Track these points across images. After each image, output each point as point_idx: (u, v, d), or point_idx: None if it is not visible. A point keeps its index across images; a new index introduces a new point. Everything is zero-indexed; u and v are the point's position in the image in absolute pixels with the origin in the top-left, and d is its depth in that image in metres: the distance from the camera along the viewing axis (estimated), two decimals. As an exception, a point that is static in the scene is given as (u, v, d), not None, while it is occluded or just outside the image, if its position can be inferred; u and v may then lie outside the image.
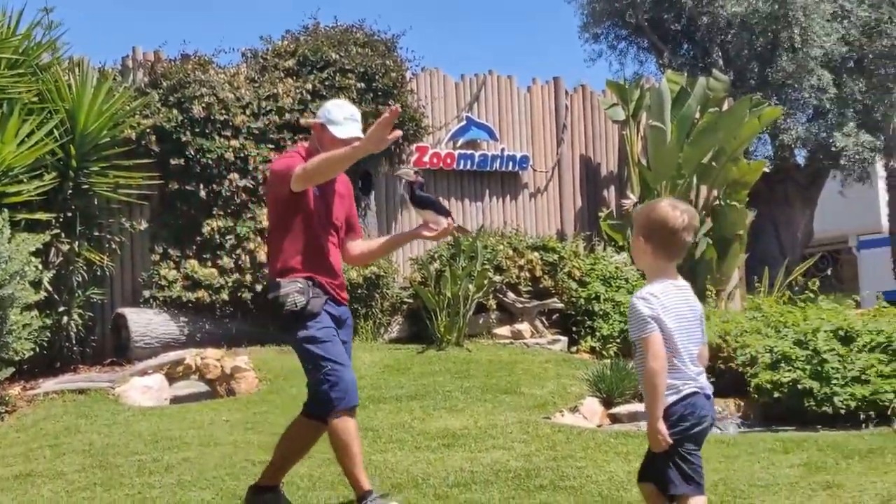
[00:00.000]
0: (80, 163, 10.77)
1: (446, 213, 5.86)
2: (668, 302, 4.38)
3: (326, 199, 5.78)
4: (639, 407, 9.19)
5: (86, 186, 10.90)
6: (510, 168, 14.40)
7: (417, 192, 6.02)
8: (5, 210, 9.53)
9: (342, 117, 5.71)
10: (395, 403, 9.01)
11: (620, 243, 13.99)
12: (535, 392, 9.65)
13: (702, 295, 13.09)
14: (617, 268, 13.24)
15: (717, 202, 14.47)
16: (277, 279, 5.69)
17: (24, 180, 10.22)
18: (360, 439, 5.66)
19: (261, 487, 5.90)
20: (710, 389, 4.50)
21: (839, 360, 8.83)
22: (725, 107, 14.73)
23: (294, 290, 5.60)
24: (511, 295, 12.67)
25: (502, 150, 14.32)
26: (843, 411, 8.46)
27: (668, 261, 4.49)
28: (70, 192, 10.77)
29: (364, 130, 5.53)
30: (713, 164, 14.17)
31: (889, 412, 8.33)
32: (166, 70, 11.93)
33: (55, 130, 10.49)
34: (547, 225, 14.63)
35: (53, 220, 10.53)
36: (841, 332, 9.29)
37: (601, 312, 12.56)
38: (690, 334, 4.44)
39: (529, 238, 13.48)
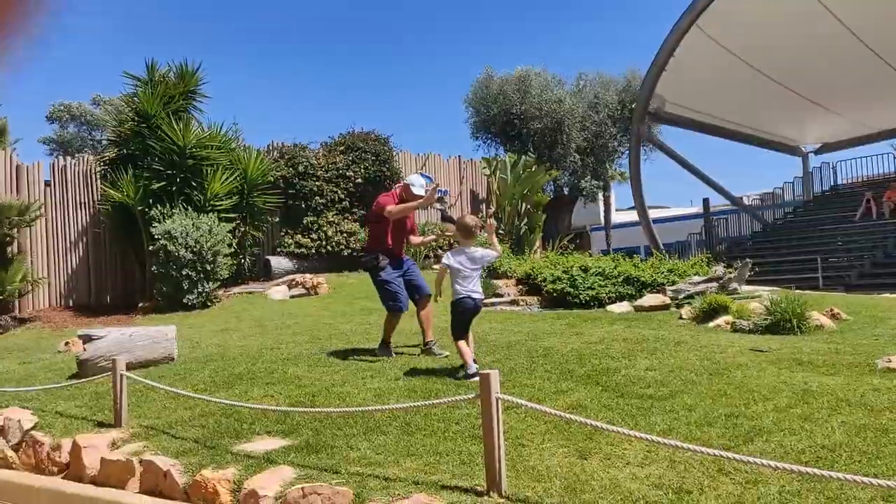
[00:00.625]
0: (249, 191, 10.81)
1: (453, 222, 5.37)
2: (456, 256, 4.42)
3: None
4: (495, 299, 8.45)
5: (251, 202, 10.90)
6: (441, 195, 13.70)
7: (444, 214, 6.30)
8: (216, 213, 9.82)
9: (417, 184, 5.47)
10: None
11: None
12: (449, 292, 9.27)
13: (523, 252, 13.02)
14: (485, 239, 13.04)
15: (529, 211, 14.29)
16: (371, 251, 5.33)
17: (224, 199, 10.28)
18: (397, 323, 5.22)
19: (384, 341, 5.32)
20: (477, 295, 4.38)
21: (582, 279, 8.16)
22: (533, 169, 14.57)
23: (375, 256, 5.24)
24: (439, 250, 12.35)
25: (436, 186, 14.01)
26: (584, 301, 7.76)
27: (465, 240, 4.50)
28: (245, 204, 10.78)
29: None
30: (527, 193, 14.06)
31: (605, 302, 7.65)
32: (287, 149, 11.99)
33: (237, 178, 10.51)
34: (456, 221, 14.60)
35: (237, 217, 10.53)
36: (583, 266, 8.59)
37: None
38: (470, 271, 4.39)
39: (450, 226, 13.35)
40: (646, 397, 3.62)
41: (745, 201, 20.53)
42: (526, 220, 14.05)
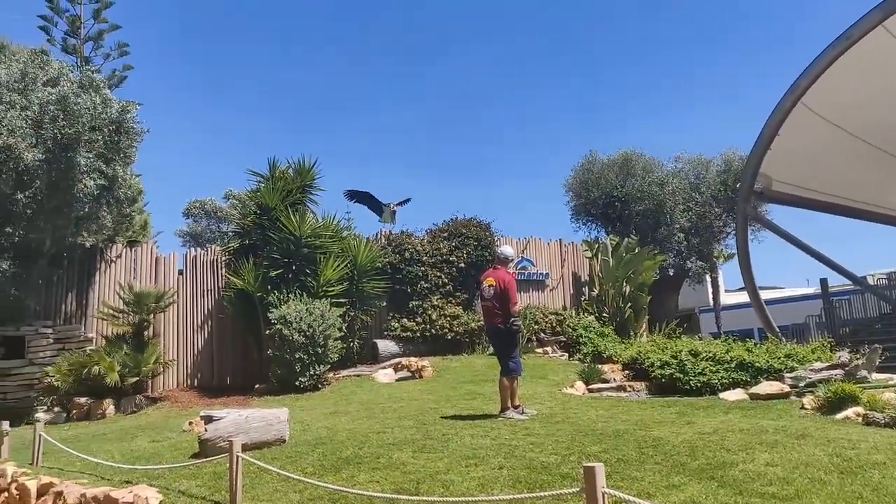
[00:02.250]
0: (358, 278, 10.97)
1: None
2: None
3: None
4: (601, 385, 8.52)
5: (360, 287, 11.02)
6: (541, 279, 14.03)
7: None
8: (328, 298, 9.99)
9: (510, 255, 6.26)
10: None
11: (591, 312, 13.45)
12: (554, 378, 9.22)
13: (628, 336, 12.72)
14: (590, 322, 12.73)
15: (634, 292, 13.92)
16: (512, 319, 6.00)
17: (335, 285, 10.44)
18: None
19: (503, 408, 5.95)
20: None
21: (692, 364, 7.91)
22: (636, 251, 14.31)
23: (521, 324, 6.03)
24: (542, 334, 12.52)
25: (537, 270, 14.05)
26: (694, 388, 7.59)
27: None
28: (354, 290, 10.92)
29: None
30: (632, 275, 13.76)
31: (716, 389, 7.48)
32: (394, 238, 12.22)
33: (348, 265, 10.67)
34: (558, 304, 14.21)
35: (347, 301, 10.65)
36: (692, 351, 8.38)
37: (583, 342, 11.96)
38: None
39: (549, 309, 13.23)
40: (767, 496, 3.33)
41: (871, 280, 19.09)
42: (630, 302, 13.65)
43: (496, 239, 13.09)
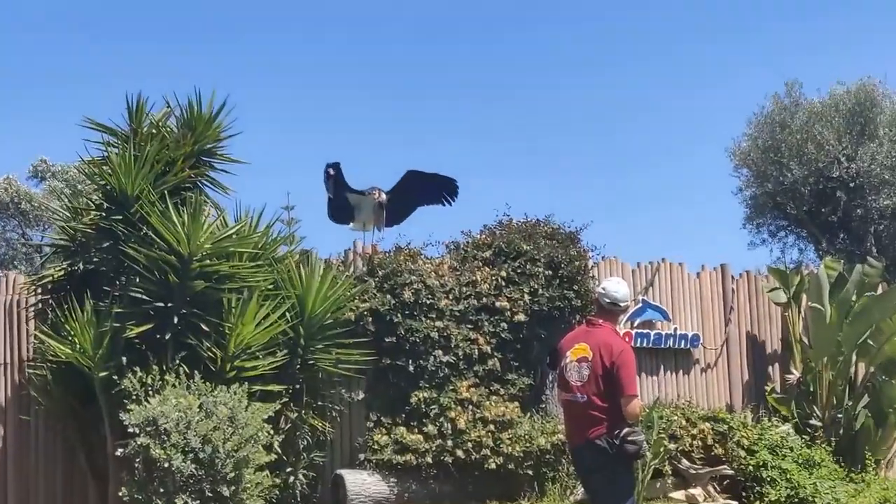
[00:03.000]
0: (308, 341, 10.82)
1: None
2: None
3: None
4: None
5: (311, 362, 10.93)
6: (682, 345, 14.09)
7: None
8: (245, 383, 9.82)
9: (621, 295, 6.94)
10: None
11: (784, 415, 13.62)
12: None
13: (858, 464, 12.96)
14: (782, 437, 12.86)
15: (874, 378, 13.92)
16: (626, 430, 6.60)
17: (260, 356, 10.31)
18: None
19: None
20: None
21: None
22: (880, 290, 14.28)
23: (643, 439, 6.73)
24: (685, 462, 12.42)
25: (675, 329, 14.05)
26: None
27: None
28: (298, 366, 10.81)
29: None
30: (870, 342, 13.66)
31: None
32: (382, 260, 12.10)
33: (287, 313, 10.59)
34: (717, 397, 14.25)
35: (283, 391, 10.58)
36: None
37: (769, 479, 12.25)
38: None
39: (701, 409, 13.21)
40: None
41: None
42: (869, 397, 13.82)
43: (593, 265, 13.38)
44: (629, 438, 6.55)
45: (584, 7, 41.15)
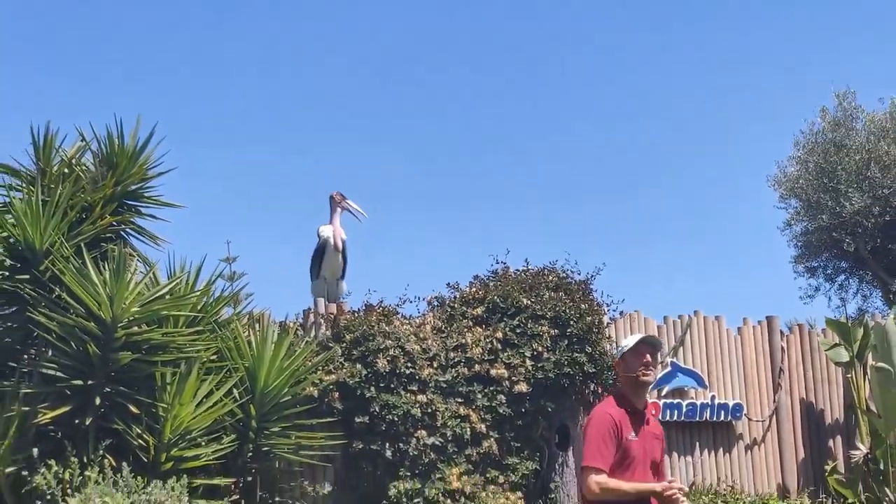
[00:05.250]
0: (261, 423, 10.85)
1: None
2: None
3: (646, 443, 6.97)
4: None
5: (266, 448, 10.96)
6: (722, 417, 14.12)
7: None
8: (184, 476, 9.75)
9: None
10: None
11: (851, 500, 13.58)
12: None
13: None
14: None
15: None
16: None
17: (203, 443, 10.33)
18: None
19: None
20: None
21: None
22: None
23: None
24: None
25: (712, 397, 14.08)
26: None
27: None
28: (250, 455, 10.83)
29: None
30: None
31: None
32: (349, 322, 12.11)
33: (235, 390, 10.64)
34: (766, 480, 14.23)
35: (233, 486, 10.58)
36: None
37: None
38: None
39: (747, 496, 13.20)
40: None
41: None
42: None
43: (609, 321, 13.57)
44: None
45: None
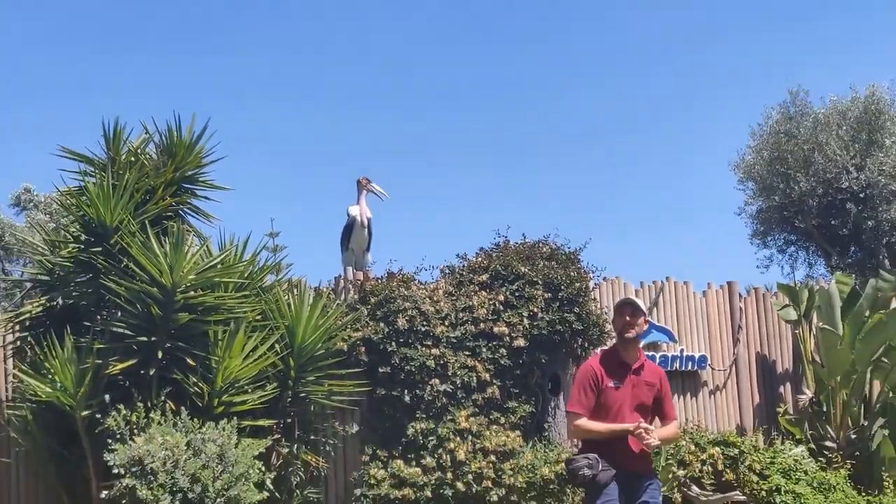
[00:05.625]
0: (298, 373, 10.86)
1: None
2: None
3: (633, 389, 7.26)
4: None
5: (303, 395, 10.98)
6: (689, 367, 14.04)
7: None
8: (234, 418, 9.83)
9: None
10: None
11: (798, 437, 13.58)
12: None
13: (879, 484, 12.91)
14: (796, 460, 12.79)
15: (891, 396, 13.78)
16: (573, 455, 7.25)
17: (249, 390, 10.34)
18: None
19: None
20: None
21: None
22: (894, 305, 14.14)
23: (584, 465, 7.06)
24: (695, 488, 12.28)
25: (681, 350, 14.02)
26: None
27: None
28: (289, 400, 10.86)
29: None
30: (884, 360, 13.58)
31: None
32: (374, 287, 12.13)
33: (276, 345, 10.63)
34: (727, 421, 14.19)
35: (274, 426, 10.61)
36: None
37: (781, 503, 12.16)
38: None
39: (710, 434, 13.13)
40: None
41: None
42: (883, 416, 13.70)
43: (594, 285, 13.47)
44: (569, 467, 7.25)
45: (575, 16, 40.76)
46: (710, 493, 12.32)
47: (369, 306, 11.93)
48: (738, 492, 12.44)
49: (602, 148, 44.11)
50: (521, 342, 12.07)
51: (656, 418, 7.50)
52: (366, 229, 13.05)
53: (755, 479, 12.40)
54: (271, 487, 10.13)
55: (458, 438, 11.55)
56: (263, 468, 9.83)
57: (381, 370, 11.60)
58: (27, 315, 10.96)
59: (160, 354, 10.01)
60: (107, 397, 9.91)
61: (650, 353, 13.52)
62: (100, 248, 10.42)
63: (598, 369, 7.29)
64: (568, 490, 11.62)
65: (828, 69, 39.50)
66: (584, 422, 7.15)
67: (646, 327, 7.83)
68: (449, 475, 11.34)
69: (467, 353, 11.96)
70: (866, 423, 13.67)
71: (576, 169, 44.04)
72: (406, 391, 11.63)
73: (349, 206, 13.05)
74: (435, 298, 12.19)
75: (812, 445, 13.45)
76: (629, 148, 44.54)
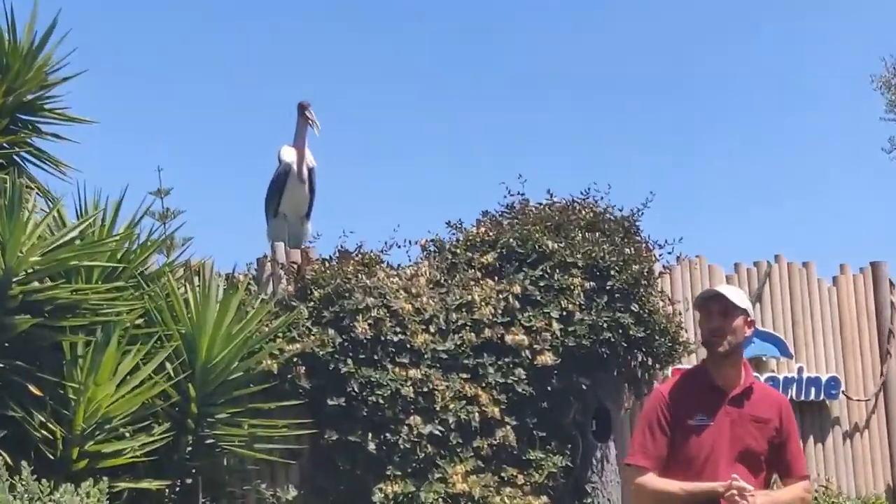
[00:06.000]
0: (203, 408, 10.88)
1: None
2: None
3: (732, 428, 6.82)
4: None
5: (211, 441, 11.04)
6: (812, 396, 14.17)
7: None
8: (103, 478, 9.69)
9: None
10: None
11: None
12: None
13: None
14: None
15: None
16: None
17: (127, 434, 10.38)
18: None
19: None
20: None
21: None
22: None
23: None
24: None
25: (799, 370, 14.14)
26: None
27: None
28: (189, 449, 10.90)
29: None
30: None
31: None
32: (318, 274, 12.12)
33: (168, 364, 10.61)
34: (871, 476, 14.31)
35: (167, 490, 10.63)
36: None
37: None
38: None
39: (847, 499, 13.28)
40: None
41: None
42: None
43: (662, 269, 13.73)
44: None
45: None
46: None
47: (312, 303, 11.97)
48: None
49: (665, 77, 43.95)
50: (548, 358, 12.11)
51: (773, 474, 7.22)
52: (306, 184, 13.14)
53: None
54: None
55: (450, 505, 11.65)
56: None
57: (331, 402, 11.63)
58: None
59: (-8, 377, 10.08)
60: None
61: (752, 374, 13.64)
62: None
63: (676, 397, 7.00)
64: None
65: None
66: (652, 479, 6.83)
67: (749, 333, 7.34)
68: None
69: (465, 375, 12.01)
70: None
71: (628, 107, 43.81)
72: (370, 435, 11.66)
73: (281, 148, 13.13)
74: (414, 291, 12.24)
75: None
76: (703, 73, 44.36)
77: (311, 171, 13.09)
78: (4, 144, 11.06)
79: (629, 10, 42.58)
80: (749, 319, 7.08)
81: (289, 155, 12.98)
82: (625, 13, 42.22)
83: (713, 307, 6.96)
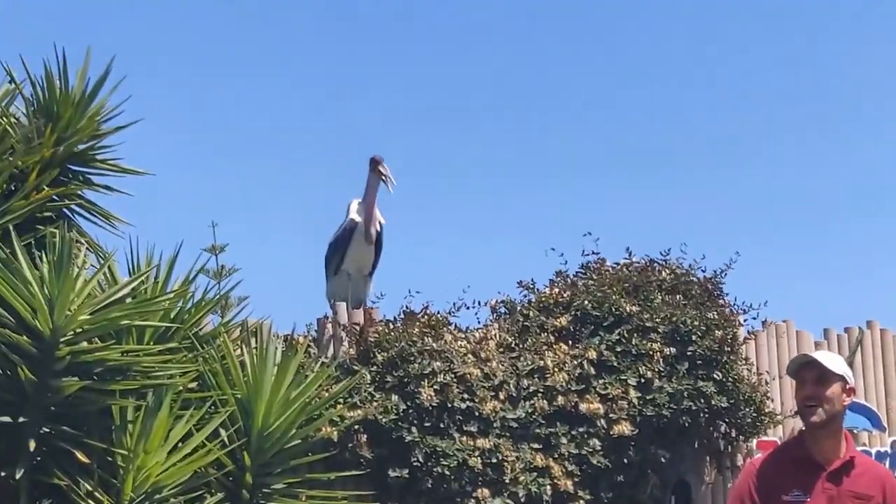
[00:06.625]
0: (258, 477, 10.83)
1: None
2: None
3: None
4: None
5: None
6: None
7: None
8: None
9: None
10: None
11: None
12: None
13: None
14: None
15: None
16: None
17: None
18: None
19: None
20: None
21: None
22: None
23: None
24: None
25: (892, 443, 13.97)
26: None
27: None
28: None
29: None
30: None
31: None
32: (382, 336, 12.08)
33: (222, 430, 10.59)
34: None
35: None
36: None
37: None
38: None
39: None
40: None
41: None
42: None
43: (747, 335, 13.64)
44: None
45: None
46: None
47: (375, 367, 11.93)
48: None
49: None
50: (625, 428, 12.08)
51: None
52: (373, 244, 13.12)
53: None
54: None
55: None
56: None
57: (393, 473, 11.58)
58: None
59: (33, 445, 9.90)
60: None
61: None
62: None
63: (767, 474, 6.89)
64: None
65: None
66: None
67: (848, 401, 7.18)
68: None
69: (536, 445, 11.99)
70: None
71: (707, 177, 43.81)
72: (436, 508, 11.66)
73: (350, 203, 13.08)
74: (483, 355, 12.19)
75: None
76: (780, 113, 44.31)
77: (380, 229, 13.05)
78: (54, 196, 11.07)
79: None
80: (848, 387, 6.93)
81: (357, 211, 12.93)
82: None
83: (807, 374, 6.83)
